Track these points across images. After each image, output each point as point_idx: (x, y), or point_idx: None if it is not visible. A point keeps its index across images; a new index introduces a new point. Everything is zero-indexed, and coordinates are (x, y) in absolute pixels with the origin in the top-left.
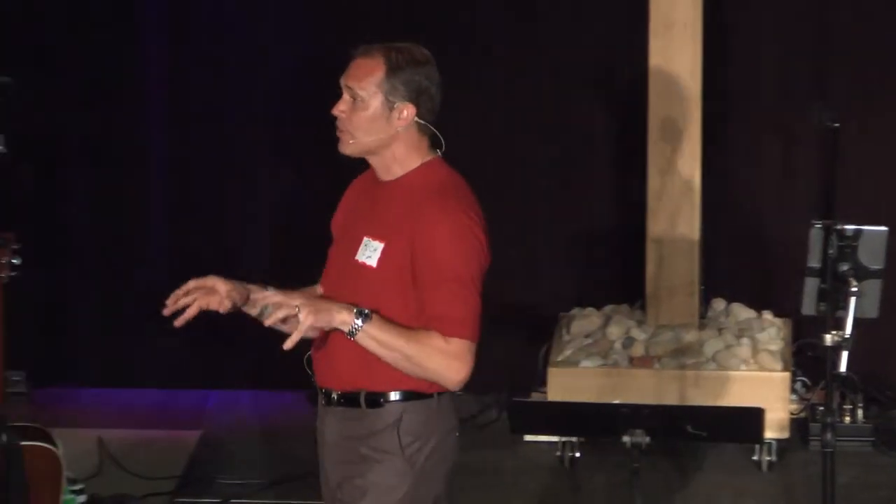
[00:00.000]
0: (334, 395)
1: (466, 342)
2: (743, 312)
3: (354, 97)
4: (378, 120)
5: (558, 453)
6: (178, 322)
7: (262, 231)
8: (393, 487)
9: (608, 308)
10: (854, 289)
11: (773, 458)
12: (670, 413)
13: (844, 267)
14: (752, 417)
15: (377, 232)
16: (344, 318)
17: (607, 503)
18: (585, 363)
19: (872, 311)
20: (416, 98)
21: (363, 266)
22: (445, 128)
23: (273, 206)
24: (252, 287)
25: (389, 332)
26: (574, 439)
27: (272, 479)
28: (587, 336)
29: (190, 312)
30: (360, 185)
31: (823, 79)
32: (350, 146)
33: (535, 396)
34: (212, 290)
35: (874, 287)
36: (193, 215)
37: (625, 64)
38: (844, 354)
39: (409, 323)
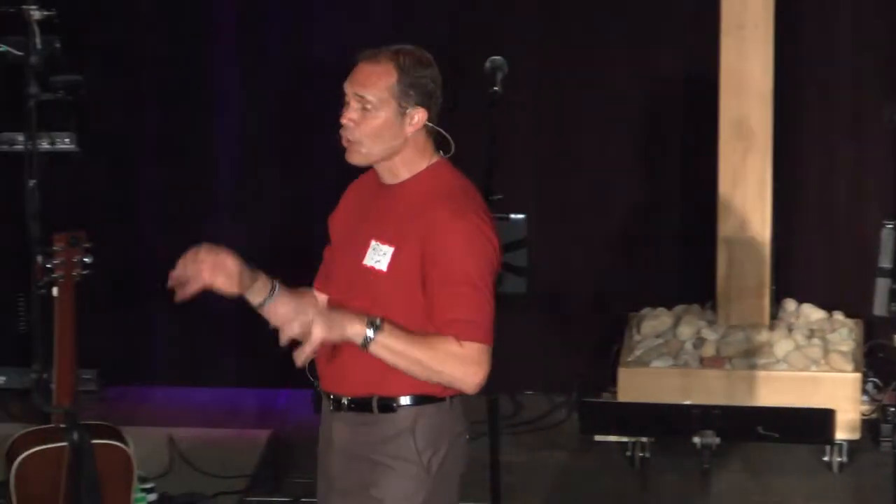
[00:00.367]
0: (344, 401)
1: (482, 345)
2: (814, 313)
3: (365, 105)
4: (391, 127)
5: (628, 453)
6: (179, 298)
7: None
8: (411, 495)
9: (679, 308)
10: None
11: (844, 459)
12: (741, 414)
13: None
14: (823, 418)
15: (385, 236)
16: (356, 331)
17: None
18: (656, 363)
19: None
20: (426, 102)
21: (372, 271)
22: (523, 125)
23: None
24: (260, 275)
25: (402, 340)
26: (644, 440)
27: None
28: (658, 336)
29: (192, 288)
30: (361, 187)
31: None
32: (361, 156)
33: (606, 397)
34: (220, 266)
35: None
36: (265, 215)
37: (695, 64)
38: None
39: (419, 327)
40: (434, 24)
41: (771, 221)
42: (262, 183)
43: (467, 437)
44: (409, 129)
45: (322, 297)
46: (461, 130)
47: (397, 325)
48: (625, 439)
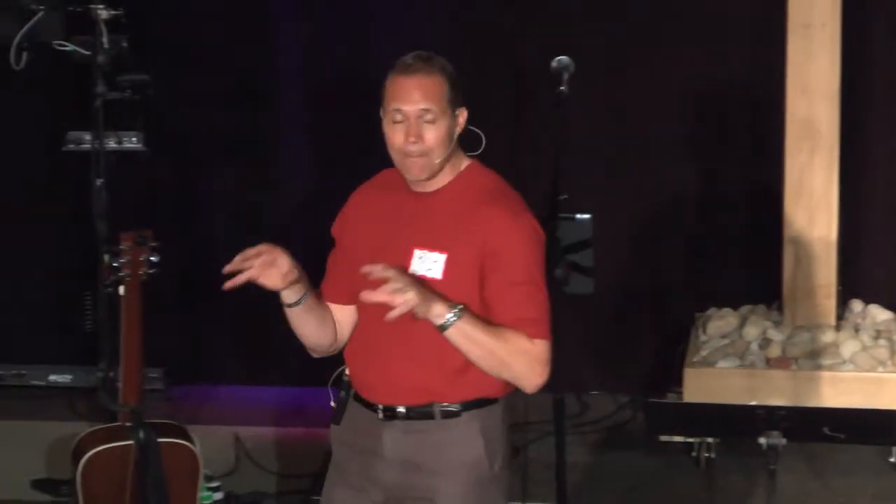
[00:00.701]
0: (400, 410)
1: (548, 344)
2: (880, 314)
3: (427, 117)
4: (450, 133)
5: (694, 454)
6: (228, 285)
7: None
8: (477, 499)
9: (745, 309)
10: None
11: None
12: (807, 414)
13: None
14: (890, 419)
15: (432, 243)
16: (439, 311)
17: None
18: (722, 364)
19: None
20: (463, 102)
21: (425, 280)
22: (588, 125)
23: None
24: (303, 278)
25: (480, 328)
26: (710, 440)
27: None
28: (724, 337)
29: (240, 279)
30: (375, 195)
31: None
32: (431, 168)
33: (671, 397)
34: (273, 264)
35: None
36: (329, 215)
37: (762, 63)
38: None
39: None
40: (499, 23)
41: (837, 221)
42: (325, 181)
43: None
44: (458, 131)
45: (335, 308)
46: (527, 130)
47: (475, 313)
48: (690, 440)
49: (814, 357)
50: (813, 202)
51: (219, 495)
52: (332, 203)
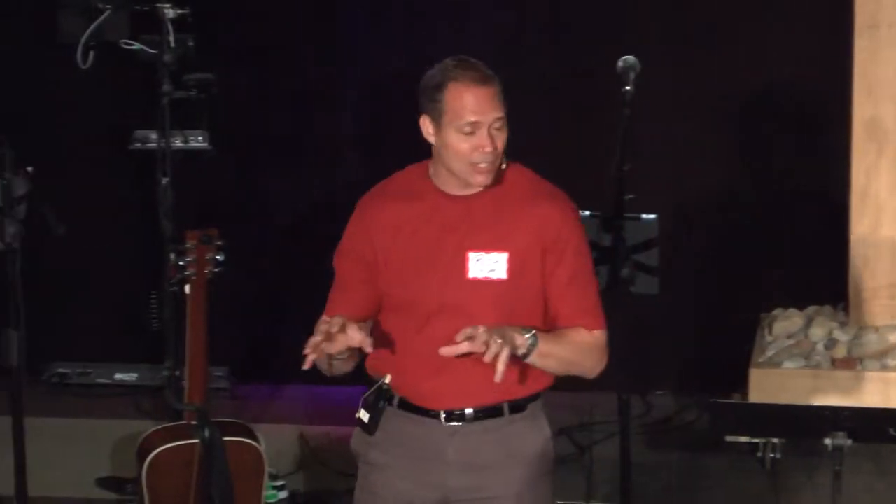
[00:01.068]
0: (468, 412)
1: (605, 332)
2: None
3: (501, 125)
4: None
5: (759, 454)
6: (306, 366)
7: None
8: (546, 490)
9: (811, 309)
10: None
11: None
12: (873, 415)
13: None
14: None
15: (488, 244)
16: (520, 342)
17: None
18: (787, 364)
19: None
20: None
21: (487, 282)
22: (654, 125)
23: None
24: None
25: (552, 342)
26: (775, 441)
27: None
28: (789, 337)
29: (311, 361)
30: (400, 206)
31: None
32: (495, 173)
33: (736, 397)
34: (348, 342)
35: None
36: None
37: (828, 63)
38: None
39: (541, 324)
40: (566, 24)
41: None
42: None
43: None
44: None
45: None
46: (593, 130)
47: (542, 329)
48: (755, 440)
49: (879, 357)
50: (879, 203)
51: (284, 494)
52: None
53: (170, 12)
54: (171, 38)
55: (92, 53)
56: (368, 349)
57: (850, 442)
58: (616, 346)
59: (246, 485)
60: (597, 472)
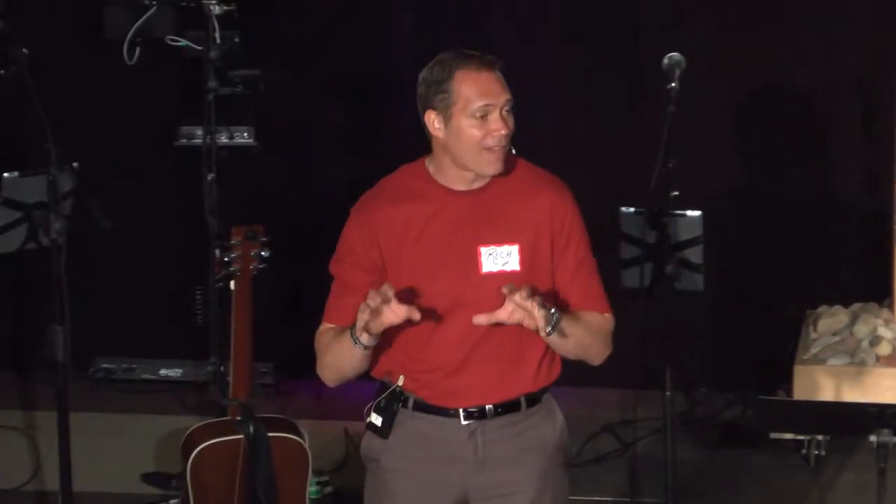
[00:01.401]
0: (489, 409)
1: (613, 317)
2: None
3: (510, 107)
4: None
5: (804, 451)
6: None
7: None
8: (563, 480)
9: (856, 306)
10: None
11: None
12: None
13: None
14: None
15: (498, 237)
16: (546, 315)
17: (853, 503)
18: (832, 361)
19: None
20: None
21: (502, 274)
22: (699, 122)
23: None
24: None
25: (573, 323)
26: (820, 438)
27: None
28: (834, 334)
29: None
30: (404, 208)
31: None
32: (504, 158)
33: (781, 394)
34: (397, 316)
35: None
36: None
37: (876, 60)
38: None
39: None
40: (612, 21)
41: None
42: None
43: None
44: None
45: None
46: (639, 127)
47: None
48: (800, 437)
49: None
50: None
51: (328, 490)
52: None
53: (216, 8)
54: (217, 35)
55: (138, 50)
56: (416, 316)
57: (895, 439)
58: (660, 344)
59: (290, 480)
60: (641, 469)
